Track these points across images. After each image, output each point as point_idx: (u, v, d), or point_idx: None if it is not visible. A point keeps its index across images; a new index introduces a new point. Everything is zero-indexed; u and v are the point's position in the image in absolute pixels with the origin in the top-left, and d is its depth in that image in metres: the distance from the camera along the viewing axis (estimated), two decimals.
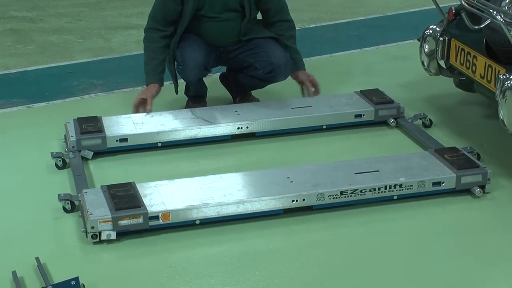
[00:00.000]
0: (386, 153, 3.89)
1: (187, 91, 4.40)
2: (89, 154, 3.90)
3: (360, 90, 4.47)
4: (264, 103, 4.41)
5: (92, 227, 3.18)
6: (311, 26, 6.25)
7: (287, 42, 4.29)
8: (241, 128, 4.12)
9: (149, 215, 3.23)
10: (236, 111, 4.24)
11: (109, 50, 5.73)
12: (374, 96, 4.38)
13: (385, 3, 6.94)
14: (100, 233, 3.19)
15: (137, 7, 6.79)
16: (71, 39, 5.97)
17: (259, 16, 4.36)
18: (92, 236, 3.19)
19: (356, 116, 4.27)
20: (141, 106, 4.18)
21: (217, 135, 4.10)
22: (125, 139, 3.98)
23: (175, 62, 4.22)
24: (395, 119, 4.30)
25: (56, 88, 4.96)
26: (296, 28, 4.41)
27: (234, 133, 4.13)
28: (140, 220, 3.22)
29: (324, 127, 4.25)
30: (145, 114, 4.15)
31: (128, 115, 4.17)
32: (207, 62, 4.20)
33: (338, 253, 3.19)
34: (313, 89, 4.35)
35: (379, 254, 3.18)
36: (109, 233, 3.20)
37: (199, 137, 4.07)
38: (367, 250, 3.21)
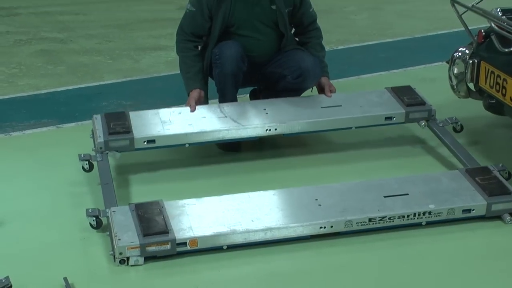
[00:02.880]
0: (417, 168, 3.84)
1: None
2: (116, 155, 3.90)
3: (392, 87, 4.39)
4: (293, 100, 4.27)
5: (120, 253, 3.19)
6: (339, 47, 6.26)
7: (312, 49, 4.30)
8: (270, 130, 4.07)
9: (177, 242, 3.23)
10: (265, 109, 4.16)
11: (138, 71, 5.78)
12: (405, 95, 4.29)
13: (413, 25, 6.93)
14: (128, 258, 3.20)
15: (166, 28, 6.85)
16: (101, 60, 6.03)
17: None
18: (120, 261, 3.20)
19: (386, 118, 4.20)
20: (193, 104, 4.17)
21: (245, 137, 4.06)
22: (153, 141, 3.95)
23: (213, 62, 4.18)
24: (426, 121, 4.24)
25: (86, 109, 4.99)
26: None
27: (263, 135, 4.09)
28: (168, 246, 3.23)
29: (353, 128, 4.19)
30: (173, 111, 4.13)
31: (156, 111, 4.13)
32: (243, 54, 4.15)
33: (366, 277, 3.16)
34: (330, 94, 4.30)
35: (408, 278, 3.15)
36: (137, 259, 3.21)
37: (227, 138, 4.05)
38: (395, 274, 3.18)
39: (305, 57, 4.21)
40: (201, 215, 3.39)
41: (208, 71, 4.26)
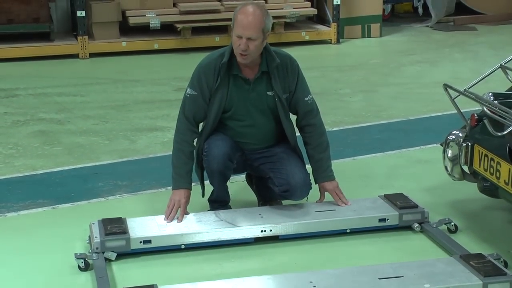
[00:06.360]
0: (411, 259, 3.85)
1: (210, 196, 4.39)
2: (113, 256, 3.91)
3: (384, 195, 4.47)
4: (287, 206, 4.40)
5: None
6: (334, 129, 6.31)
7: (313, 151, 4.29)
8: (265, 231, 4.12)
9: None
10: (260, 214, 4.25)
11: (134, 151, 5.81)
12: (398, 200, 4.37)
13: (408, 107, 7.01)
14: None
15: (162, 109, 6.92)
16: (97, 140, 6.07)
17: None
18: None
19: (380, 220, 4.26)
20: (175, 210, 4.16)
21: (240, 237, 4.10)
22: (149, 241, 3.98)
23: (202, 155, 4.21)
24: (420, 224, 4.28)
25: (81, 189, 5.00)
26: None
27: (258, 236, 4.13)
28: None
29: (348, 231, 4.24)
30: None
31: (152, 217, 4.19)
32: (232, 153, 4.17)
33: None
34: (343, 204, 4.32)
35: None
36: None
37: (222, 239, 4.08)
38: None
39: (296, 172, 4.18)
40: None
41: (200, 157, 4.26)
